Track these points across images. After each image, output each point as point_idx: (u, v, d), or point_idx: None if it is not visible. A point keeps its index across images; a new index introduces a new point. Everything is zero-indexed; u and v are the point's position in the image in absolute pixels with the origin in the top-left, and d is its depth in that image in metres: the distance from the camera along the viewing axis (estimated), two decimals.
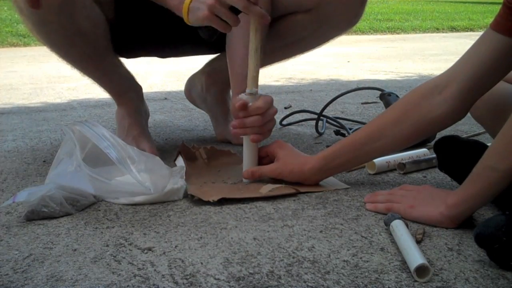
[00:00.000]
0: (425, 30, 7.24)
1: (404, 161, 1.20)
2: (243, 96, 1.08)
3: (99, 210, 0.98)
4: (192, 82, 1.58)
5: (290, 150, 1.11)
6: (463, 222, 0.87)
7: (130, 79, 1.39)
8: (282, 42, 1.34)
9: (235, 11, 0.99)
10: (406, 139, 1.03)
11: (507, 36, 0.89)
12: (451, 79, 0.96)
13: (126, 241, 0.85)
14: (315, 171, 1.06)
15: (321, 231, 0.88)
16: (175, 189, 1.02)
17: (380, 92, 1.62)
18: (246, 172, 1.10)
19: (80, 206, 0.98)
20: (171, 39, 1.38)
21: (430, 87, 0.99)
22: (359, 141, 1.04)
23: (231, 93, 1.31)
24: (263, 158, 1.12)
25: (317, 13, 1.27)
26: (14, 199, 0.93)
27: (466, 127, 1.61)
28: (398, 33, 7.00)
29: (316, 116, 1.60)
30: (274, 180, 1.09)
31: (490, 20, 0.95)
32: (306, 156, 1.10)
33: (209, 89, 1.53)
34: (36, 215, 0.94)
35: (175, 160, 1.27)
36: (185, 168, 1.10)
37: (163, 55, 1.55)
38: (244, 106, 1.07)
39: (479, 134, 1.51)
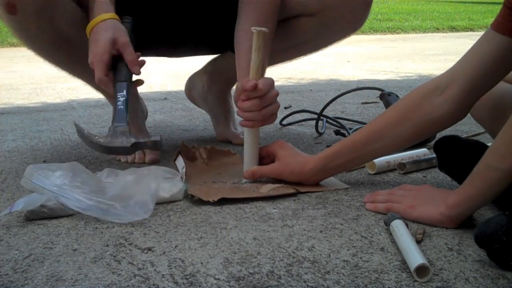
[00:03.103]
0: (425, 30, 7.23)
1: (404, 161, 1.20)
2: None
3: None
4: (193, 81, 1.57)
5: (291, 150, 1.11)
6: (463, 222, 0.87)
7: None
8: (286, 44, 1.33)
9: None
10: (407, 140, 1.03)
11: (508, 36, 0.89)
12: (451, 80, 0.96)
13: (126, 241, 0.85)
14: (316, 171, 1.06)
15: (321, 231, 0.88)
16: (175, 191, 1.02)
17: (380, 92, 1.62)
18: (247, 172, 1.10)
19: None
20: (173, 40, 1.37)
21: (431, 87, 0.99)
22: (359, 141, 1.04)
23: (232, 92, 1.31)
24: (264, 158, 1.12)
25: (322, 17, 1.26)
26: (11, 209, 0.93)
27: (466, 127, 1.61)
28: (398, 33, 6.99)
29: (316, 116, 1.60)
30: (274, 180, 1.09)
31: (490, 20, 0.95)
32: (306, 156, 1.10)
33: (210, 88, 1.52)
34: (36, 215, 0.94)
35: (175, 160, 1.27)
36: (185, 168, 1.10)
37: (165, 55, 1.54)
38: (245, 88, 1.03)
39: (479, 134, 1.51)
